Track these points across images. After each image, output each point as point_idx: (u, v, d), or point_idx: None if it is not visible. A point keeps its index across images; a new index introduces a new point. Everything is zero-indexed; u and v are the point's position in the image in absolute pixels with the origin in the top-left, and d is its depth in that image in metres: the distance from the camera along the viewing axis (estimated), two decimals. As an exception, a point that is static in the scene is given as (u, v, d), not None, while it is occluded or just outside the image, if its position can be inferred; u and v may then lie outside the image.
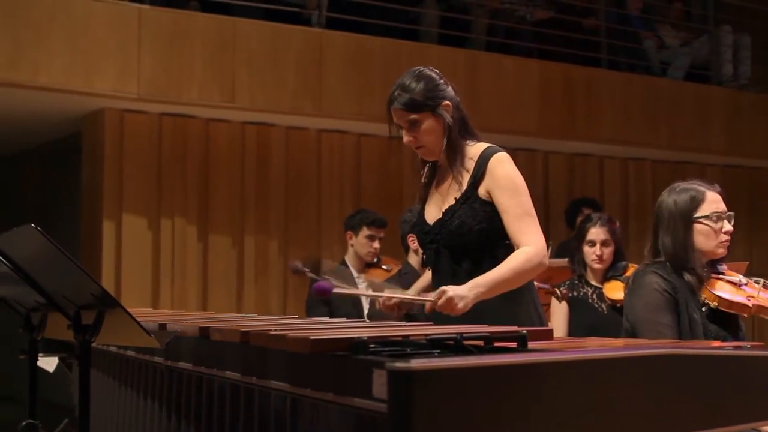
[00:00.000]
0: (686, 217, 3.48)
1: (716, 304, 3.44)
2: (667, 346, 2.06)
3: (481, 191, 3.24)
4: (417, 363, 1.63)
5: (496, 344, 2.08)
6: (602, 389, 1.83)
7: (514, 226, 3.18)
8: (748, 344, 2.67)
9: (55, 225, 8.35)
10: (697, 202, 3.49)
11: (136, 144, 7.35)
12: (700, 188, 3.53)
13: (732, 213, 3.54)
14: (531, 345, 2.10)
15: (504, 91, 8.46)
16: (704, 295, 3.46)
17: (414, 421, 1.61)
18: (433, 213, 3.36)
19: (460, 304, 2.99)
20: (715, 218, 3.48)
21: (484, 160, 3.26)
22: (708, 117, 9.72)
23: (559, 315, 5.10)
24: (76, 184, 7.88)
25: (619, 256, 5.14)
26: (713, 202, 3.51)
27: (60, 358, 4.63)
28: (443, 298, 2.99)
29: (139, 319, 2.41)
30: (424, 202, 3.43)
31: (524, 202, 3.21)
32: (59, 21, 6.71)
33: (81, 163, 7.73)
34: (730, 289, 3.49)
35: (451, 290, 3.00)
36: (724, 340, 3.38)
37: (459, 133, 3.30)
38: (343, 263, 6.09)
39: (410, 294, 3.36)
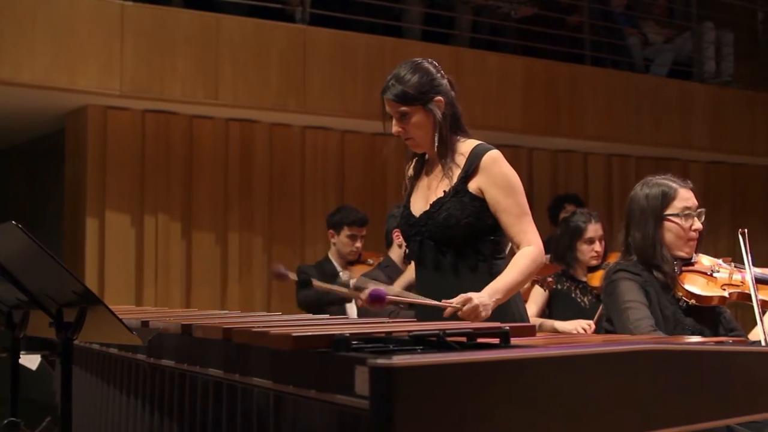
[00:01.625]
0: (656, 213, 3.49)
1: (693, 301, 3.45)
2: (648, 342, 2.07)
3: (472, 186, 3.25)
4: (399, 359, 1.63)
5: (479, 340, 2.08)
6: (584, 385, 1.83)
7: (514, 227, 3.22)
8: (729, 339, 2.68)
9: (39, 222, 8.32)
10: (668, 198, 3.50)
11: (119, 141, 7.33)
12: (673, 185, 3.54)
13: (703, 209, 3.55)
14: (513, 341, 2.10)
15: (488, 87, 8.47)
16: (679, 293, 3.46)
17: (396, 418, 1.61)
18: (419, 205, 3.37)
19: (484, 312, 3.01)
20: (684, 216, 3.48)
21: (476, 156, 3.27)
22: (691, 113, 9.76)
23: (534, 297, 5.14)
24: (59, 181, 7.85)
25: (605, 250, 5.20)
26: (684, 199, 3.51)
27: (42, 356, 4.61)
28: (469, 306, 3.00)
29: (121, 317, 2.40)
30: (409, 195, 3.44)
31: (521, 201, 3.25)
32: (42, 18, 6.68)
33: (64, 160, 7.70)
34: (703, 282, 3.49)
35: (476, 298, 3.02)
36: (701, 333, 3.39)
37: (450, 128, 3.31)
38: (326, 260, 6.09)
39: (427, 299, 3.23)
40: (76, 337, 2.46)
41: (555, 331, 4.87)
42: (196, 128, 7.66)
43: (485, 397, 1.71)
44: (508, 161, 3.33)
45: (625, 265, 3.50)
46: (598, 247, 5.12)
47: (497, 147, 3.36)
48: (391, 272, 5.14)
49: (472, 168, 3.26)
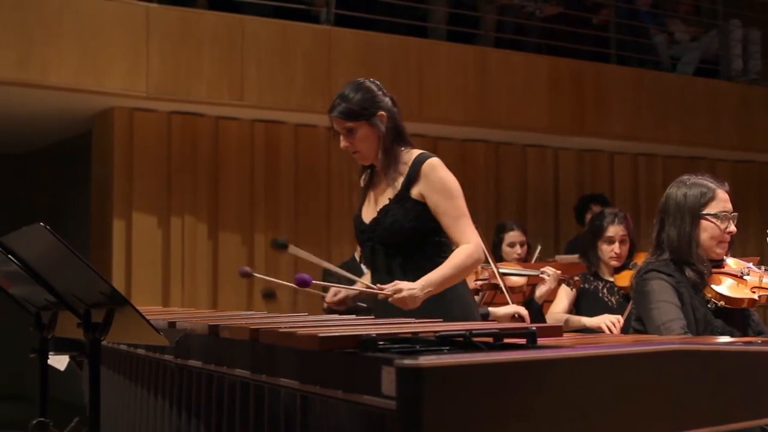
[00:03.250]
0: (694, 212, 3.47)
1: (723, 303, 3.42)
2: (676, 342, 2.06)
3: (414, 193, 3.52)
4: (426, 360, 1.63)
5: (506, 341, 2.08)
6: (611, 385, 1.82)
7: (453, 228, 3.48)
8: (758, 340, 2.66)
9: (66, 223, 8.38)
10: (707, 198, 3.49)
11: (145, 142, 7.36)
12: (711, 185, 3.52)
13: (736, 213, 3.53)
14: (540, 341, 2.09)
15: (513, 87, 8.45)
16: (708, 294, 3.44)
17: (423, 418, 1.61)
18: (369, 213, 3.65)
19: (411, 303, 3.31)
20: (722, 217, 3.47)
21: (417, 164, 3.53)
22: (718, 112, 9.69)
23: (562, 296, 5.12)
24: (86, 182, 7.90)
25: (632, 250, 5.16)
26: (722, 200, 3.50)
27: (70, 357, 4.64)
28: (398, 296, 3.30)
29: (148, 317, 2.42)
30: (361, 204, 3.72)
31: (459, 204, 3.51)
32: (69, 20, 6.73)
33: (91, 162, 7.75)
34: (733, 284, 3.47)
35: (406, 288, 3.32)
36: (731, 335, 3.37)
37: (393, 140, 3.57)
38: (353, 260, 6.08)
39: (364, 285, 3.60)
40: (104, 337, 2.48)
41: (583, 326, 4.86)
42: (222, 129, 7.69)
43: (512, 398, 1.70)
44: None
45: (657, 264, 3.48)
46: (617, 248, 5.07)
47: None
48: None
49: (413, 175, 3.51)
